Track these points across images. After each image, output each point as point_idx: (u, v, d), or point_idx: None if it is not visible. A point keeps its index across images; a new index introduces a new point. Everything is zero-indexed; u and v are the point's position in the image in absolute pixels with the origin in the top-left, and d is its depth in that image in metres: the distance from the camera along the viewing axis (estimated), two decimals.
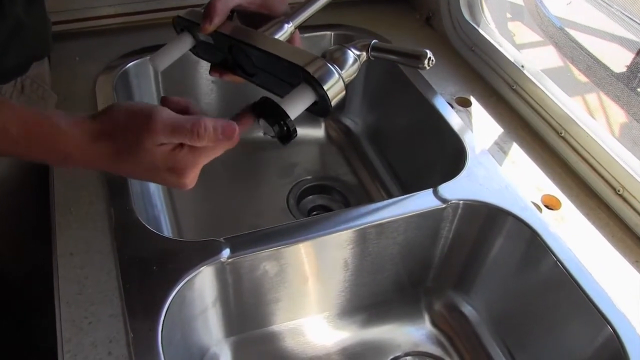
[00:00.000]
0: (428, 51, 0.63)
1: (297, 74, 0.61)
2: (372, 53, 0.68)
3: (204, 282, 0.73)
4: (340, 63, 0.64)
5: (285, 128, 0.61)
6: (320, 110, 0.63)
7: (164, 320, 0.66)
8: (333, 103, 0.61)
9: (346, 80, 0.63)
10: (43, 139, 0.56)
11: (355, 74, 0.66)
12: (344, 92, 0.62)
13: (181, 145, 0.57)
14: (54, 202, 0.79)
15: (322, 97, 0.61)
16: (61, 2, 1.03)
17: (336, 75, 0.61)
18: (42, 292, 0.76)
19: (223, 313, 0.82)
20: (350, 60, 0.66)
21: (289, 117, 0.60)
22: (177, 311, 0.70)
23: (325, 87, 0.60)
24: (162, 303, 0.67)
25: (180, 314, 0.72)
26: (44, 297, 0.74)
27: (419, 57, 0.64)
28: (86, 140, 0.56)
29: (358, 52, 0.67)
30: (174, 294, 0.68)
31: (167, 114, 0.57)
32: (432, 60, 0.64)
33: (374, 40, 0.68)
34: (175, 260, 0.71)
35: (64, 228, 0.76)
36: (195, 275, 0.71)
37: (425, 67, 0.64)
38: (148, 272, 0.70)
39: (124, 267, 0.71)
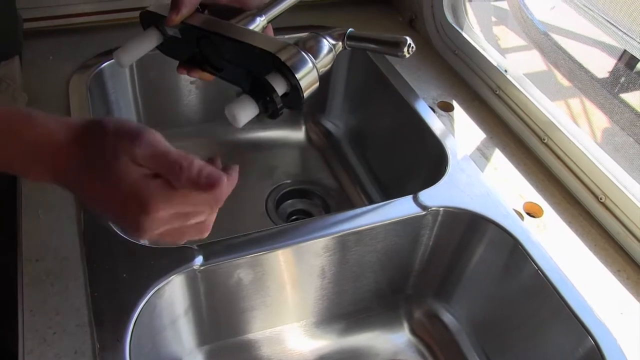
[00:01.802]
0: (408, 38, 0.60)
1: (268, 63, 0.58)
2: (348, 42, 0.65)
3: (175, 290, 0.71)
4: (315, 52, 0.61)
5: (270, 102, 0.58)
6: (291, 102, 0.60)
7: (132, 330, 0.64)
8: (306, 94, 0.58)
9: (320, 70, 0.59)
10: (13, 130, 0.49)
11: (331, 65, 0.63)
12: (318, 84, 0.59)
13: (159, 176, 0.50)
14: (20, 205, 0.76)
15: (294, 87, 0.58)
16: None
17: (310, 64, 0.58)
18: (8, 297, 0.73)
19: (196, 321, 0.80)
20: (325, 49, 0.62)
21: (275, 91, 0.57)
22: (147, 320, 0.68)
23: (297, 76, 0.57)
24: (131, 312, 0.65)
25: (150, 323, 0.70)
26: (9, 303, 0.71)
27: (398, 45, 0.60)
28: (67, 137, 0.50)
29: (333, 42, 0.64)
30: (143, 302, 0.66)
31: (159, 137, 0.50)
32: (412, 47, 0.60)
33: (350, 29, 0.65)
34: (146, 268, 0.69)
35: (30, 233, 0.73)
36: (166, 283, 0.68)
37: (404, 55, 0.61)
38: (117, 279, 0.68)
39: (93, 274, 0.69)
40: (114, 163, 0.49)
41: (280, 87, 0.58)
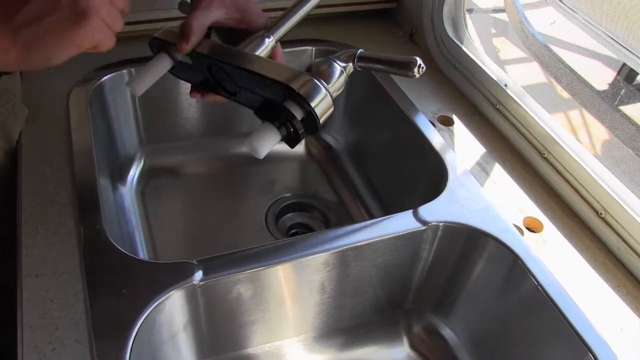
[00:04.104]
0: (418, 58, 0.61)
1: (282, 91, 0.59)
2: (358, 63, 0.65)
3: (174, 305, 0.71)
4: (327, 76, 0.62)
5: (292, 129, 0.58)
6: (307, 127, 0.60)
7: (132, 346, 0.63)
8: (322, 120, 0.59)
9: (334, 94, 0.60)
10: None
11: (343, 87, 0.64)
12: (332, 108, 0.60)
13: None
14: (20, 220, 0.76)
15: (310, 114, 0.58)
16: None
17: (323, 90, 0.58)
18: (5, 312, 0.73)
19: (195, 336, 0.80)
20: (337, 73, 0.63)
21: (296, 117, 0.57)
22: (146, 336, 0.68)
23: (312, 104, 0.57)
24: (131, 327, 0.65)
25: (150, 338, 0.70)
26: (7, 317, 0.71)
27: (409, 65, 0.61)
28: None
29: (344, 64, 0.64)
30: (143, 318, 0.66)
31: None
32: (423, 68, 0.61)
33: (359, 50, 0.65)
34: (146, 283, 0.69)
35: (30, 248, 0.73)
36: (166, 298, 0.68)
37: (415, 75, 0.61)
38: (117, 295, 0.68)
39: (92, 289, 0.68)
40: None
41: (296, 114, 0.58)
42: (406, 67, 0.61)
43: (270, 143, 0.59)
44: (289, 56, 1.13)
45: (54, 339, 0.64)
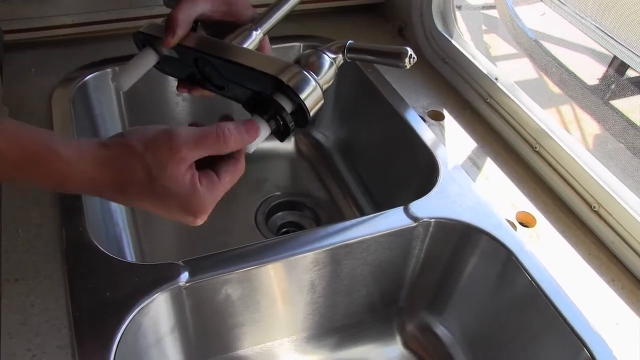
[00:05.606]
0: (409, 48, 0.60)
1: (271, 84, 0.58)
2: (348, 54, 0.64)
3: (160, 308, 0.69)
4: (316, 68, 0.61)
5: (281, 122, 0.57)
6: (297, 120, 0.59)
7: (116, 351, 0.62)
8: (312, 113, 0.58)
9: (324, 87, 0.59)
10: (41, 166, 0.50)
11: (333, 80, 0.63)
12: (323, 101, 0.59)
13: (200, 181, 0.54)
14: (0, 224, 0.74)
15: (300, 107, 0.57)
16: (15, 10, 0.99)
17: (313, 82, 0.57)
18: None
19: (182, 339, 0.78)
20: (327, 64, 0.62)
21: (285, 110, 0.56)
22: (131, 340, 0.66)
23: (302, 96, 0.56)
24: (115, 332, 0.63)
25: (135, 343, 0.68)
26: None
27: (399, 55, 0.60)
28: (94, 169, 0.51)
29: (333, 55, 0.63)
30: (127, 321, 0.64)
31: (185, 129, 0.53)
32: (414, 58, 0.60)
33: (349, 41, 0.64)
34: (130, 286, 0.67)
35: (9, 251, 0.71)
36: (151, 301, 0.66)
37: (405, 66, 0.60)
38: (100, 298, 0.66)
39: (74, 293, 0.67)
40: (162, 176, 0.51)
41: (286, 107, 0.57)
42: (397, 57, 0.61)
43: (260, 137, 0.58)
44: (277, 52, 1.10)
45: (34, 345, 0.62)
